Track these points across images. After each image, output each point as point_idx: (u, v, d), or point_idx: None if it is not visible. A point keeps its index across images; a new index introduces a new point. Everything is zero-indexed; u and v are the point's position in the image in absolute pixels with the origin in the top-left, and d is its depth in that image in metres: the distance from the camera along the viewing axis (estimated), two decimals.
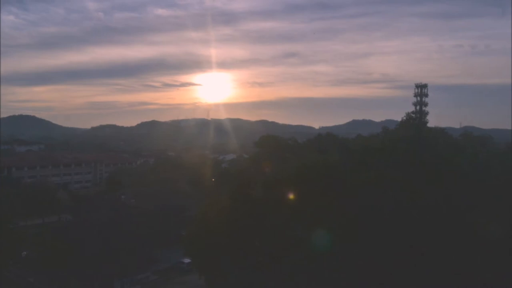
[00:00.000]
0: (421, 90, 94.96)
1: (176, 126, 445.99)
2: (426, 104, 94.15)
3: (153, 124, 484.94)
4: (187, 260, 46.85)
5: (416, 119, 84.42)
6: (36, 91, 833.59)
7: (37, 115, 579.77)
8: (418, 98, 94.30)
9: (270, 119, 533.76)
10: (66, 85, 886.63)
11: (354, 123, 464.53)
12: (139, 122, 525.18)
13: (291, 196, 35.21)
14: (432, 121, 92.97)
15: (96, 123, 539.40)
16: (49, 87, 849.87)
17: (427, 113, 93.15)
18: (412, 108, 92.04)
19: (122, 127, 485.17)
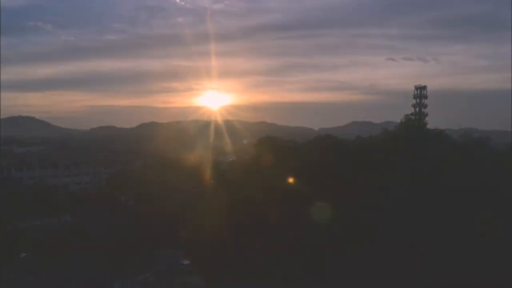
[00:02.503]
0: (421, 91, 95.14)
1: (176, 128, 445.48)
2: (425, 106, 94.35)
3: (152, 125, 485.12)
4: (186, 262, 46.82)
5: (415, 121, 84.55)
6: (32, 96, 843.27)
7: (36, 116, 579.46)
8: (418, 100, 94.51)
9: (269, 121, 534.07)
10: (60, 91, 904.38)
11: (353, 124, 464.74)
12: (138, 123, 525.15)
13: (291, 197, 35.22)
14: (432, 123, 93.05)
15: (95, 124, 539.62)
16: (45, 92, 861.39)
17: (426, 115, 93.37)
18: (411, 110, 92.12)
19: (121, 129, 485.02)
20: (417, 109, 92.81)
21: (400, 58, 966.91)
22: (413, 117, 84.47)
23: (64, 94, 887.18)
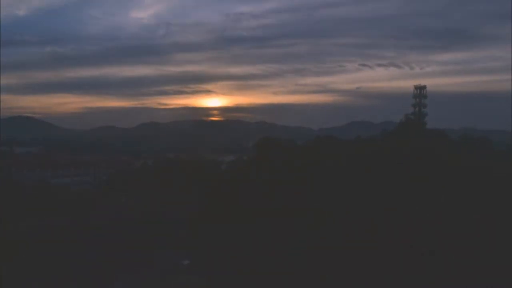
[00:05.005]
0: (420, 91, 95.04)
1: (176, 128, 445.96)
2: (425, 106, 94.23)
3: (152, 125, 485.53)
4: (186, 262, 46.93)
5: (415, 120, 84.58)
6: (31, 98, 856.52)
7: (36, 117, 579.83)
8: (417, 100, 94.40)
9: (269, 121, 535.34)
10: (58, 94, 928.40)
11: (353, 124, 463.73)
12: (138, 123, 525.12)
13: (291, 197, 35.29)
14: (431, 123, 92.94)
15: (95, 124, 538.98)
16: (42, 96, 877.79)
17: (426, 115, 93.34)
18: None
19: (121, 129, 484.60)
20: (417, 109, 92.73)
21: (374, 64, 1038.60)
22: (412, 117, 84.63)
23: (62, 97, 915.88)
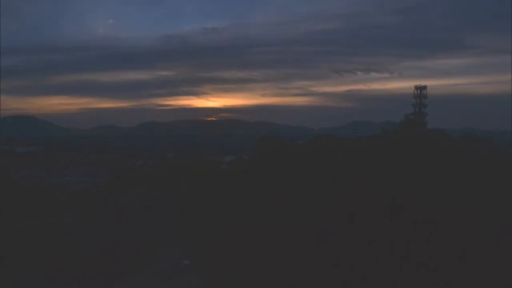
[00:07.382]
0: (421, 91, 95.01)
1: (176, 127, 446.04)
2: (425, 106, 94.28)
3: (152, 125, 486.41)
4: (186, 261, 46.85)
5: (415, 120, 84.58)
6: (30, 101, 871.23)
7: (38, 116, 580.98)
8: (418, 100, 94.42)
9: (269, 121, 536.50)
10: (58, 96, 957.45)
11: (353, 124, 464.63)
12: (138, 123, 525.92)
13: (291, 196, 35.24)
14: (432, 123, 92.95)
15: (95, 124, 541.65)
16: (43, 97, 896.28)
17: (426, 114, 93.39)
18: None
19: (121, 128, 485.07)
20: (417, 109, 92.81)
21: (354, 69, 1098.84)
22: (412, 117, 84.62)
23: (62, 98, 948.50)
